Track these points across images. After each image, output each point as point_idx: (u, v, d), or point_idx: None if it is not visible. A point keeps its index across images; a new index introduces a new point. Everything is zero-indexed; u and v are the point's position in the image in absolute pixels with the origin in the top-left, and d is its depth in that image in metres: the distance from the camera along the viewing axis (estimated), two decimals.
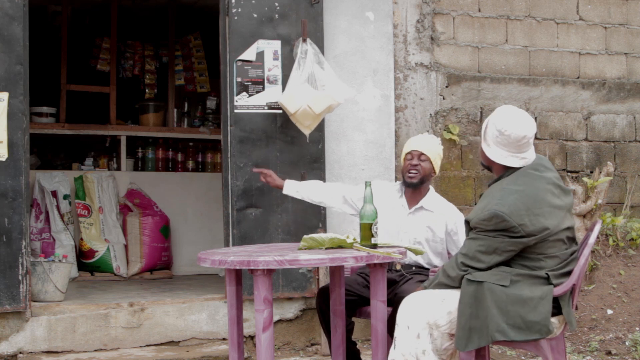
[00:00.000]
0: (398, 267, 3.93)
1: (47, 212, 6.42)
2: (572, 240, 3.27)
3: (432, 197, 4.06)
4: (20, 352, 4.49)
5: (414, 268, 3.98)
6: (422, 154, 3.97)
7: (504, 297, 3.07)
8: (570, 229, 3.24)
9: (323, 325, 4.04)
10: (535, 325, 3.08)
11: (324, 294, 3.97)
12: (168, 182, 7.19)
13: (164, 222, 6.82)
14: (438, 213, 4.00)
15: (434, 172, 4.03)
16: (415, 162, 3.97)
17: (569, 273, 3.19)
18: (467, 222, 3.29)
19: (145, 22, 7.88)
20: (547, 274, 3.14)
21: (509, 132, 3.17)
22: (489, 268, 3.16)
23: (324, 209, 5.00)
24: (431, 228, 3.98)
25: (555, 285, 3.14)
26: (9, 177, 4.46)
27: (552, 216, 3.15)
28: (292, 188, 4.22)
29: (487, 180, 5.72)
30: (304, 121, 4.79)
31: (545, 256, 3.16)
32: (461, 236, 3.91)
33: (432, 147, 4.01)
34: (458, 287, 3.21)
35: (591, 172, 5.93)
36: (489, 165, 3.35)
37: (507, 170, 3.25)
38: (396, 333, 3.27)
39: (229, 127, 4.92)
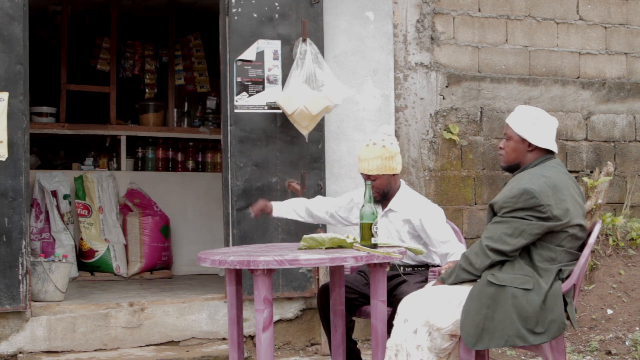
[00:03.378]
0: (388, 268, 3.91)
1: (47, 212, 6.42)
2: (581, 239, 3.28)
3: (400, 197, 3.99)
4: (20, 352, 4.50)
5: (402, 268, 3.96)
6: (368, 175, 3.92)
7: (525, 302, 3.08)
8: (582, 227, 3.27)
9: (323, 323, 4.04)
10: (553, 324, 3.10)
11: (325, 292, 3.97)
12: (168, 182, 7.19)
13: (164, 222, 6.82)
14: (401, 213, 3.95)
15: (394, 174, 3.94)
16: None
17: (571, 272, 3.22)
18: (490, 206, 3.30)
19: (145, 22, 7.88)
20: (559, 269, 3.17)
21: (544, 117, 3.35)
22: (514, 251, 3.15)
23: None
24: (397, 229, 3.96)
25: (562, 281, 3.17)
26: (9, 177, 4.46)
27: (574, 207, 3.21)
28: (282, 210, 4.19)
29: (487, 180, 5.72)
30: (301, 122, 4.79)
31: (562, 250, 3.19)
32: (429, 232, 3.88)
33: (375, 163, 3.88)
34: (475, 280, 3.21)
35: (591, 172, 5.93)
36: (519, 161, 3.38)
37: (532, 162, 3.33)
38: (394, 322, 3.29)
39: (229, 127, 4.92)
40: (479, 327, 3.11)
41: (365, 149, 3.95)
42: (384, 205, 4.00)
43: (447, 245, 3.85)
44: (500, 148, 3.44)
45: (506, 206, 3.18)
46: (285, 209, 4.19)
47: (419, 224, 3.90)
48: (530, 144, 3.33)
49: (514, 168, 3.41)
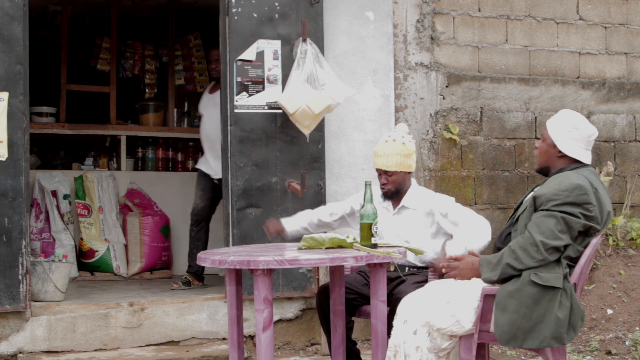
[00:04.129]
0: (392, 268, 3.92)
1: (47, 212, 6.42)
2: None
3: (413, 194, 4.00)
4: (20, 352, 4.50)
5: (407, 269, 3.96)
6: (386, 171, 3.93)
7: (563, 303, 3.09)
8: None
9: (323, 324, 4.04)
10: (577, 319, 3.13)
11: (324, 292, 3.97)
12: (168, 182, 7.18)
13: (164, 222, 6.81)
14: (420, 209, 3.96)
15: (409, 172, 3.98)
16: (383, 180, 3.94)
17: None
18: (533, 199, 3.24)
19: (145, 22, 7.88)
20: (569, 265, 3.18)
21: (581, 126, 3.31)
22: (564, 247, 3.14)
23: None
24: (415, 225, 3.96)
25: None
26: (9, 177, 4.46)
27: (609, 214, 3.24)
28: (292, 228, 4.14)
29: (487, 180, 5.72)
30: (303, 121, 4.79)
31: (583, 248, 3.19)
32: (455, 212, 3.85)
33: (395, 159, 3.89)
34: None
35: None
36: (550, 164, 3.37)
37: (567, 166, 3.31)
38: (394, 322, 3.29)
39: (229, 127, 4.92)
40: (514, 325, 3.10)
41: (384, 144, 3.94)
42: (395, 204, 4.01)
43: (473, 220, 3.80)
44: (536, 148, 3.45)
45: (556, 199, 3.13)
46: (295, 227, 4.15)
47: (444, 211, 3.88)
48: (560, 150, 3.33)
49: (545, 171, 3.40)
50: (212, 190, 5.78)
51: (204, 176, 5.83)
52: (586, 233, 3.18)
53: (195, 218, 5.84)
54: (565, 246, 3.16)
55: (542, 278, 3.11)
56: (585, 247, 3.20)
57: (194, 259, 5.66)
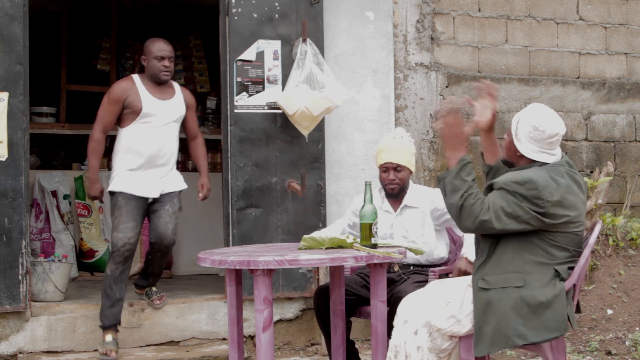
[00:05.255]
0: (396, 268, 3.92)
1: (47, 212, 6.42)
2: (580, 236, 3.25)
3: (413, 193, 4.02)
4: (20, 352, 4.50)
5: (411, 267, 3.97)
6: (397, 165, 3.93)
7: (519, 300, 3.05)
8: (582, 224, 3.23)
9: (321, 325, 4.04)
10: (553, 323, 3.07)
11: (321, 294, 3.96)
12: None
13: None
14: (422, 206, 3.97)
15: (411, 172, 4.02)
16: (392, 176, 3.93)
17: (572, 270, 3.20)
18: (489, 187, 3.20)
19: (145, 21, 7.88)
20: (555, 269, 3.13)
21: (543, 127, 3.21)
22: (501, 231, 3.08)
23: (324, 209, 5.00)
24: (419, 224, 3.97)
25: (563, 280, 3.15)
26: (9, 177, 4.47)
27: (576, 207, 3.15)
28: None
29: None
30: (302, 122, 4.80)
31: (558, 246, 3.13)
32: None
33: (405, 155, 3.94)
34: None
35: (591, 172, 5.93)
36: (513, 160, 3.32)
37: (532, 164, 3.24)
38: (394, 323, 3.28)
39: (229, 127, 4.92)
40: (480, 333, 3.08)
41: (392, 140, 3.97)
42: (396, 205, 4.01)
43: None
44: (503, 139, 3.39)
45: (507, 188, 3.08)
46: None
47: (439, 206, 3.89)
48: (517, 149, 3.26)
49: (509, 164, 3.36)
50: (143, 218, 4.70)
51: (135, 201, 4.57)
52: (549, 230, 3.11)
53: (126, 255, 4.50)
54: (519, 247, 3.11)
55: (489, 282, 3.09)
56: (555, 243, 3.14)
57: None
